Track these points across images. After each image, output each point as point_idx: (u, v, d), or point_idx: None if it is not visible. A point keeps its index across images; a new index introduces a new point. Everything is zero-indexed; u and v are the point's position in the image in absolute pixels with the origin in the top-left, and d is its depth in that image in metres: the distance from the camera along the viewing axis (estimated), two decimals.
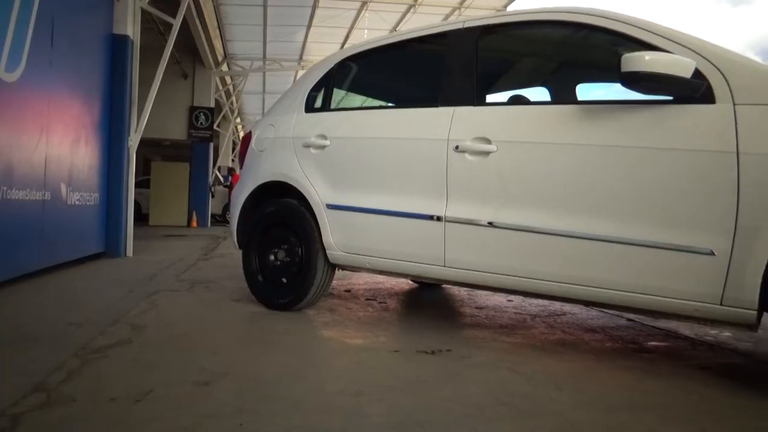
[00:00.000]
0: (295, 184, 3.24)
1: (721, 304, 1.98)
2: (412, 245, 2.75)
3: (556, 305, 3.52)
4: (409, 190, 2.77)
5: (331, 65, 3.42)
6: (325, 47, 12.07)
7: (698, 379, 2.15)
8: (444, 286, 4.16)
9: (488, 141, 2.51)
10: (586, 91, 3.41)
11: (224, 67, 13.87)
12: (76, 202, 5.18)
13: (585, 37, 2.75)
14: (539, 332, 2.85)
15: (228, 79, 15.59)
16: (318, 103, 3.43)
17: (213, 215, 13.84)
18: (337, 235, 3.05)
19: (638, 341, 2.74)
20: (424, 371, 2.18)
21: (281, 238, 3.29)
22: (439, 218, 2.64)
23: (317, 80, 3.45)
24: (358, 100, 3.91)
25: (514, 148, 2.45)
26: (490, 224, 2.48)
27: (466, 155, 2.56)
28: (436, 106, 2.77)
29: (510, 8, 10.44)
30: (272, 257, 3.31)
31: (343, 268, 3.23)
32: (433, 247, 2.66)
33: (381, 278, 4.48)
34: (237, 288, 3.95)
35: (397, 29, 10.92)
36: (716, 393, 2.00)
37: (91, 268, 5.07)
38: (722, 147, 1.97)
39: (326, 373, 2.16)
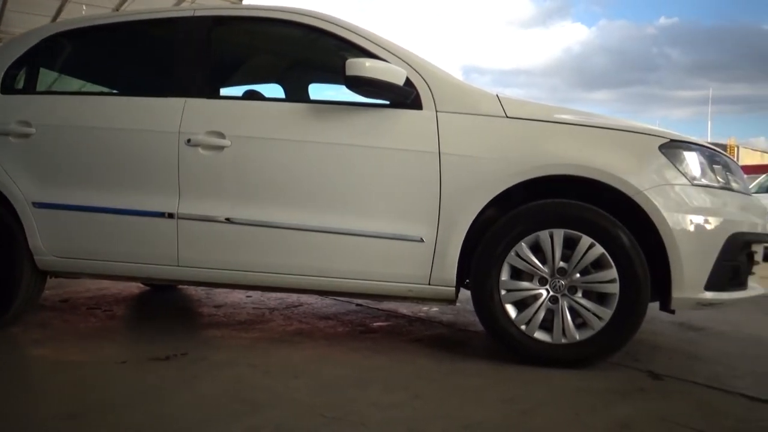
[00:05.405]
0: None
1: (429, 284, 2.30)
2: (141, 245, 2.55)
3: (294, 297, 3.64)
4: (137, 186, 2.56)
5: (38, 40, 2.94)
6: (33, 19, 10.29)
7: (413, 351, 2.46)
8: (180, 286, 3.96)
9: (222, 135, 2.46)
10: (319, 90, 3.60)
11: None
12: None
13: (315, 40, 2.90)
14: (277, 325, 2.92)
15: None
16: (20, 84, 2.93)
17: None
18: (47, 238, 2.65)
19: (365, 323, 3.01)
20: (157, 379, 2.05)
21: None
22: (171, 215, 2.50)
23: (19, 56, 2.92)
24: (74, 84, 3.46)
25: (249, 143, 2.46)
26: (228, 220, 2.45)
27: (199, 149, 2.48)
28: (166, 96, 2.61)
29: (246, 2, 10.39)
30: None
31: (58, 275, 2.83)
32: (165, 246, 2.51)
33: (106, 283, 4.04)
34: None
35: (121, 9, 9.93)
36: (427, 361, 2.31)
37: None
38: (428, 148, 2.28)
39: (37, 398, 1.87)
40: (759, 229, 2.33)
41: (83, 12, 10.17)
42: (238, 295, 3.70)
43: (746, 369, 2.31)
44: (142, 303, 3.60)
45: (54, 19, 10.48)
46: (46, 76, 3.11)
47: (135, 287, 3.98)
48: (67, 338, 2.62)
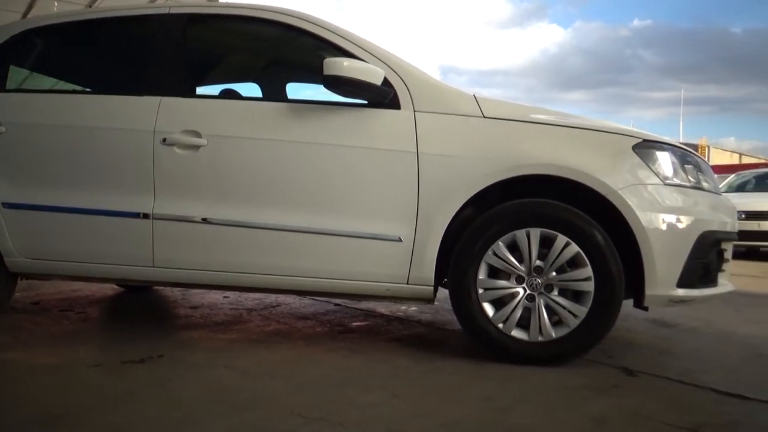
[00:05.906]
0: None
1: (407, 283, 2.31)
2: (115, 246, 2.51)
3: (272, 297, 3.62)
4: (111, 186, 2.53)
5: (8, 37, 2.88)
6: (2, 15, 10.08)
7: (392, 351, 2.46)
8: (155, 288, 3.90)
9: (198, 134, 2.44)
10: (297, 89, 3.58)
11: None
12: None
13: (293, 39, 2.88)
14: (255, 325, 2.90)
15: None
16: None
17: None
18: (18, 239, 2.60)
19: (344, 323, 3.00)
20: (132, 383, 2.01)
21: None
22: (146, 215, 2.47)
23: None
24: (45, 82, 3.39)
25: (226, 142, 2.44)
26: (204, 220, 2.43)
27: (175, 149, 2.45)
28: (141, 94, 2.58)
29: None
30: None
31: (29, 276, 2.78)
32: (140, 246, 2.48)
33: (79, 285, 3.96)
34: None
35: (94, 6, 9.76)
36: (406, 360, 2.31)
37: None
38: (406, 147, 2.29)
39: (8, 402, 1.83)
40: (729, 228, 2.39)
41: (55, 8, 9.96)
42: (215, 296, 3.67)
43: (716, 364, 2.37)
44: (116, 305, 3.54)
45: (24, 15, 10.25)
46: (17, 74, 3.04)
47: (109, 288, 3.92)
48: (38, 341, 2.57)
